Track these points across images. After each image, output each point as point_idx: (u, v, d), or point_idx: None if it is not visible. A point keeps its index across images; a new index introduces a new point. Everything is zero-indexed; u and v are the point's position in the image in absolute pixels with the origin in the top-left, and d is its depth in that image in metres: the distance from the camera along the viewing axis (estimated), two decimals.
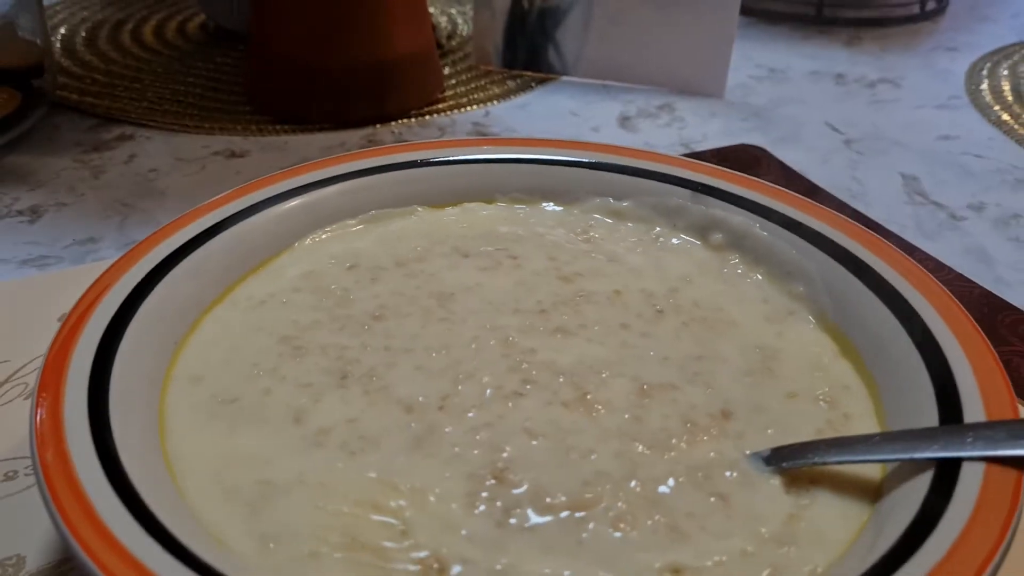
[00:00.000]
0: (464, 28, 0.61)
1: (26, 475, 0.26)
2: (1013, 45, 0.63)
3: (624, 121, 0.49)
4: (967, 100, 0.54)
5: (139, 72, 0.53)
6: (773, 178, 0.42)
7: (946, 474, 0.19)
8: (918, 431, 0.21)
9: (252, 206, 0.28)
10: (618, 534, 0.19)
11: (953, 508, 0.18)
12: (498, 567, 0.18)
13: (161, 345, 0.23)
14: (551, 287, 0.27)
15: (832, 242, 0.27)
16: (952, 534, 0.18)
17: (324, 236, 0.29)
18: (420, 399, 0.23)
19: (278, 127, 0.47)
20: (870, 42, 0.63)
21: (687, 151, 0.46)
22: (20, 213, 0.39)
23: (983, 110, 0.53)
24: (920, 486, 0.19)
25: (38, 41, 0.46)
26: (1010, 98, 0.54)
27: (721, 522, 0.20)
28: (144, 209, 0.40)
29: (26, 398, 0.29)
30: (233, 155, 0.44)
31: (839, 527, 0.20)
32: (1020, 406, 0.22)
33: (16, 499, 0.25)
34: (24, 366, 0.30)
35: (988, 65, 0.59)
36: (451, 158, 0.31)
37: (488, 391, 0.23)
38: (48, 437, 0.19)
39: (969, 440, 0.20)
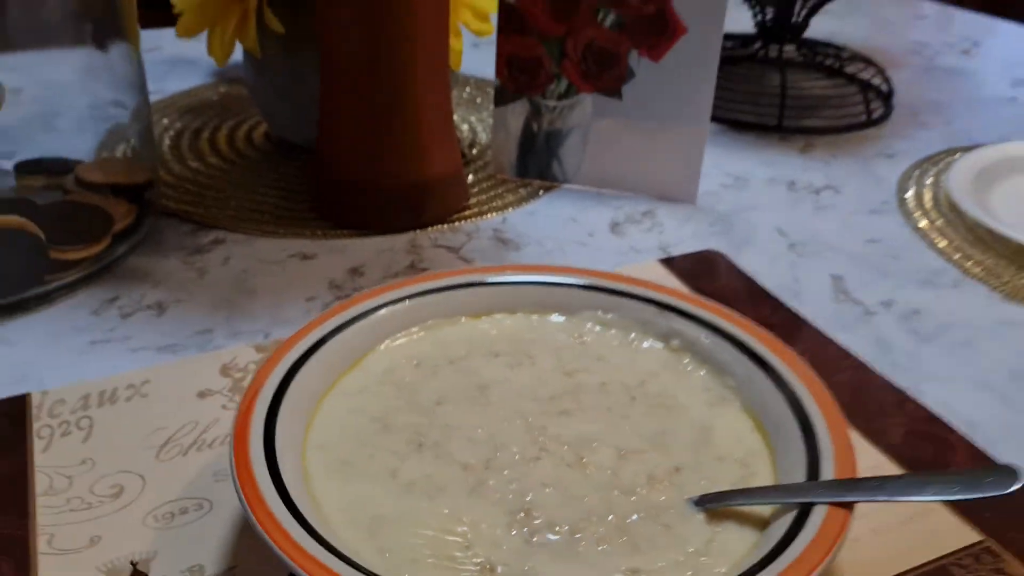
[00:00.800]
0: (483, 136, 0.74)
1: (195, 511, 0.38)
2: (941, 152, 0.75)
3: (614, 227, 0.62)
4: (895, 206, 0.66)
5: (221, 182, 0.65)
6: (729, 280, 0.55)
7: (805, 512, 0.31)
8: (792, 485, 0.33)
9: (349, 320, 0.40)
10: (601, 548, 0.31)
11: (804, 533, 0.30)
12: (526, 568, 0.30)
13: (299, 421, 0.35)
14: (558, 380, 0.39)
15: (750, 349, 0.39)
16: (799, 549, 0.29)
17: (398, 341, 0.41)
18: (472, 461, 0.35)
19: (338, 232, 0.59)
20: (821, 149, 0.75)
21: (664, 254, 0.58)
22: (149, 307, 0.51)
23: (906, 216, 0.65)
24: (788, 520, 0.31)
25: (147, 155, 0.59)
26: (928, 205, 0.66)
27: (665, 542, 0.32)
28: (242, 305, 0.52)
29: (184, 455, 0.40)
30: (305, 257, 0.56)
31: (739, 546, 0.32)
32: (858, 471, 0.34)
33: (191, 527, 0.37)
34: (177, 431, 0.42)
35: (917, 173, 0.71)
36: (486, 280, 0.43)
37: (516, 456, 0.35)
38: (248, 486, 0.31)
39: (822, 491, 0.32)
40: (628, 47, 0.61)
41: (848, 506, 0.31)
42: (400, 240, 0.59)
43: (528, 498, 0.33)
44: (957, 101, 0.88)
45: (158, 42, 0.91)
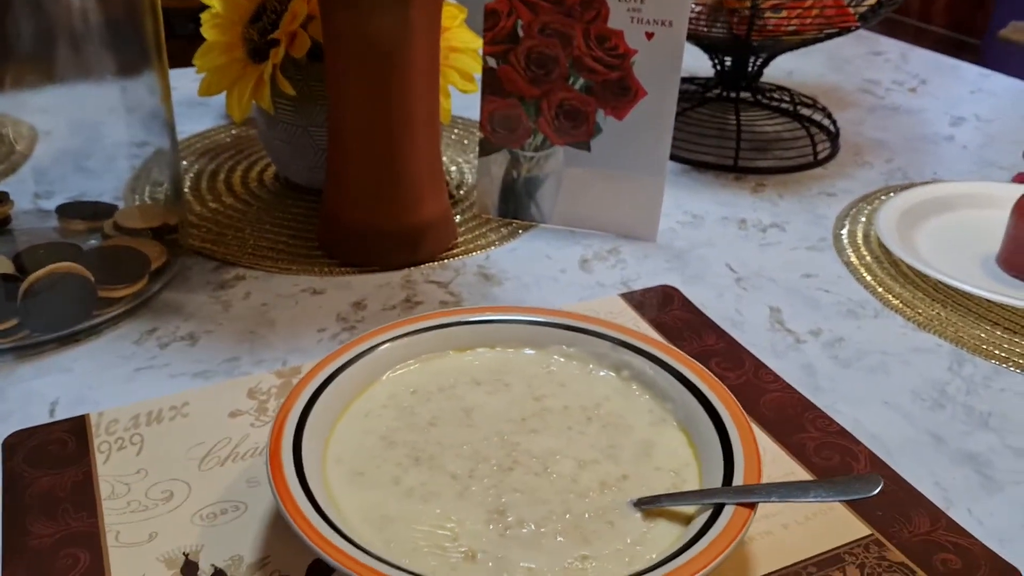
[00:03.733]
0: (469, 178, 0.83)
1: (232, 511, 0.46)
2: (878, 191, 0.85)
3: (583, 263, 0.70)
4: (830, 243, 0.75)
5: (239, 222, 0.74)
6: (681, 312, 0.64)
7: (718, 511, 0.40)
8: (709, 490, 0.42)
9: (357, 355, 0.49)
10: (559, 539, 0.40)
11: (715, 527, 0.39)
12: (500, 555, 0.39)
13: (319, 439, 0.44)
14: (528, 404, 0.48)
15: (685, 377, 0.48)
16: (709, 539, 0.38)
17: (397, 372, 0.50)
18: (459, 472, 0.43)
19: (343, 269, 0.68)
20: (771, 188, 0.85)
21: (626, 288, 0.67)
22: (183, 339, 0.60)
23: (839, 252, 0.74)
24: (704, 517, 0.40)
25: (176, 199, 0.67)
26: (860, 242, 0.75)
27: (610, 535, 0.40)
28: (263, 335, 0.60)
29: (222, 465, 0.49)
30: (315, 292, 0.65)
31: (667, 538, 0.40)
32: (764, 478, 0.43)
33: (231, 525, 0.45)
34: (214, 446, 0.51)
35: (853, 211, 0.80)
36: (469, 320, 0.52)
37: (495, 467, 0.44)
38: (281, 488, 0.39)
39: (731, 495, 0.41)
40: (595, 107, 0.70)
41: (751, 506, 0.40)
42: (396, 276, 0.67)
43: (503, 500, 0.42)
44: (898, 140, 0.97)
45: (173, 82, 1.00)
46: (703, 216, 0.78)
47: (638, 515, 0.42)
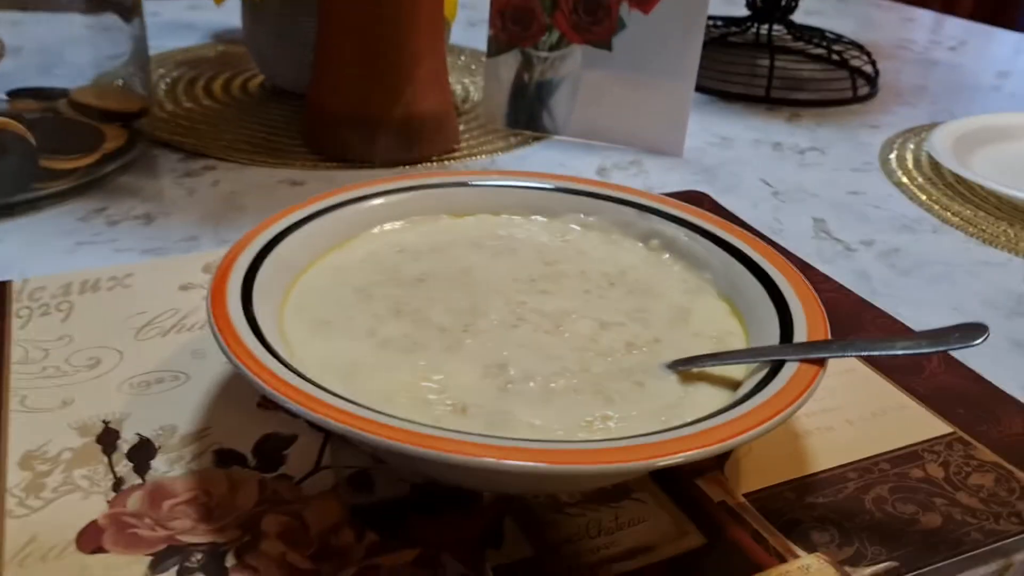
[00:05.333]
0: (476, 95, 0.75)
1: (171, 381, 0.38)
2: (923, 125, 0.77)
3: (601, 171, 0.62)
4: (877, 167, 0.67)
5: (215, 118, 0.66)
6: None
7: (776, 369, 0.31)
8: (765, 347, 0.33)
9: (335, 204, 0.40)
10: (576, 396, 0.31)
11: (773, 385, 0.30)
12: (498, 410, 0.30)
13: (279, 283, 0.36)
14: (538, 268, 0.40)
15: (726, 242, 0.40)
16: (766, 397, 0.30)
17: (382, 229, 0.41)
18: (450, 325, 0.35)
19: (328, 163, 0.59)
20: (807, 119, 0.77)
21: None
22: (137, 218, 0.51)
23: (888, 174, 0.66)
24: (759, 377, 0.31)
25: (142, 91, 0.59)
26: (910, 165, 0.67)
27: (638, 396, 0.32)
28: (231, 218, 0.52)
29: (163, 336, 0.40)
30: (295, 183, 0.57)
31: (710, 403, 0.32)
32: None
33: (167, 394, 0.37)
34: (157, 316, 0.42)
35: (899, 140, 0.72)
36: (470, 182, 0.44)
37: (495, 322, 0.35)
38: (219, 309, 0.31)
39: (793, 351, 0.32)
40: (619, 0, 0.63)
41: (819, 362, 0.31)
42: (387, 175, 0.59)
43: (505, 353, 0.33)
44: (942, 86, 0.89)
45: (157, 7, 0.93)
46: (733, 139, 0.71)
47: (674, 378, 0.33)
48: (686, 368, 0.33)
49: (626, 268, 0.40)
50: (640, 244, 0.42)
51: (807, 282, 0.37)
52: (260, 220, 0.39)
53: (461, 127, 0.67)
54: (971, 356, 0.43)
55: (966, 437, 0.37)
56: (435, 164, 0.61)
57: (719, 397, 0.32)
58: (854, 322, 0.45)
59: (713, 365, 0.33)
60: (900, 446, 0.36)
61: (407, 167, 0.60)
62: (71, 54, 0.57)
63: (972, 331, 0.31)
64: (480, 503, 0.31)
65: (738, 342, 0.36)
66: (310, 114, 0.62)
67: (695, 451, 0.27)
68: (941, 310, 0.47)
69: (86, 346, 0.39)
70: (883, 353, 0.32)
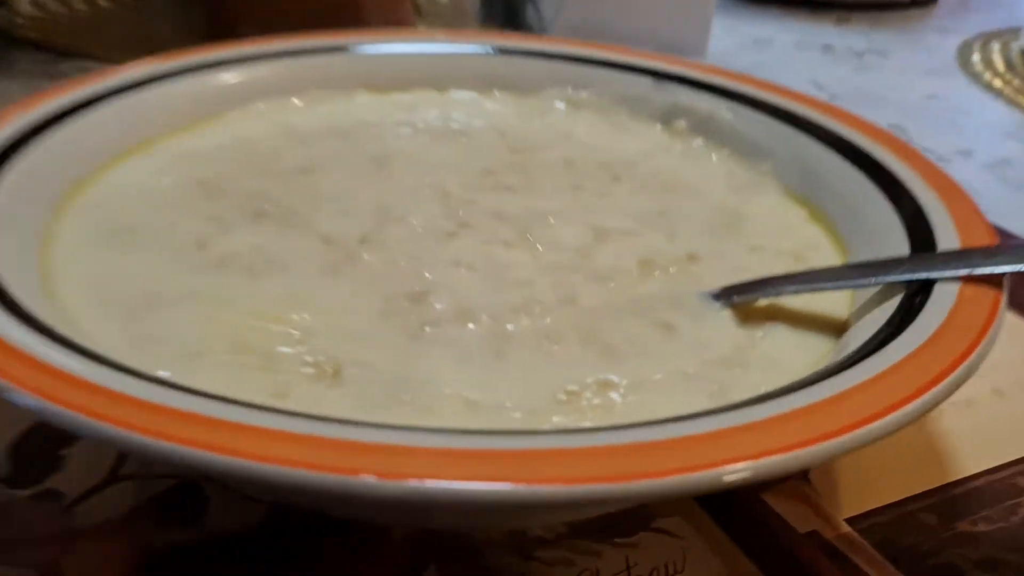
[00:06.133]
0: None
1: None
2: (1005, 29, 0.62)
3: None
4: (957, 68, 0.53)
5: (105, 12, 0.51)
6: None
7: (917, 295, 0.17)
8: (886, 259, 0.19)
9: (181, 69, 0.26)
10: (546, 348, 0.17)
11: (922, 320, 0.16)
12: (402, 372, 0.16)
13: (58, 177, 0.21)
14: (499, 156, 0.25)
15: (800, 117, 0.25)
16: (916, 341, 0.15)
17: (260, 108, 0.27)
18: (339, 235, 0.20)
19: None
20: (859, 22, 0.62)
21: None
22: None
23: (973, 77, 0.51)
24: (887, 310, 0.17)
25: None
26: (1001, 67, 0.52)
27: (661, 346, 0.18)
28: None
29: None
30: None
31: (795, 356, 0.18)
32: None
33: None
34: None
35: (979, 42, 0.58)
36: (401, 51, 0.29)
37: (418, 230, 0.21)
38: None
39: (940, 262, 0.18)
40: None
41: (994, 280, 0.17)
42: None
43: (427, 277, 0.19)
44: None
45: None
46: (770, 40, 0.56)
47: (725, 314, 0.19)
48: (745, 298, 0.19)
49: (637, 158, 0.26)
50: (658, 126, 0.28)
51: (936, 165, 0.22)
52: None
53: (420, 28, 0.53)
54: None
55: None
56: None
57: (810, 346, 0.18)
58: None
59: (795, 291, 0.19)
60: None
61: None
62: None
63: None
64: (388, 541, 0.17)
65: (825, 258, 0.21)
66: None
67: (788, 453, 0.12)
68: None
69: None
70: None
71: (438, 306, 0.18)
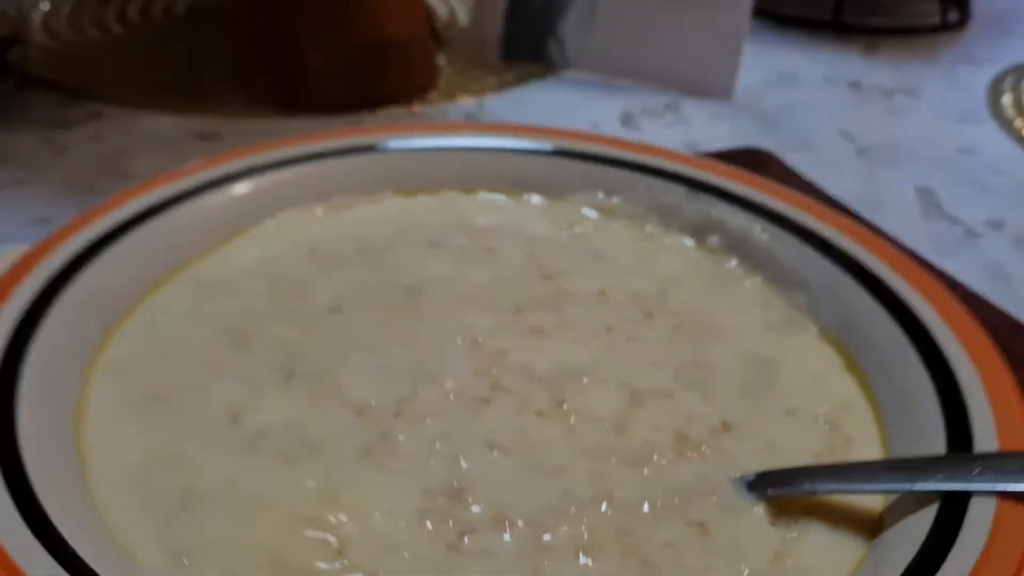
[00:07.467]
0: (462, 18, 0.59)
1: None
2: None
3: (626, 119, 0.47)
4: (988, 114, 0.52)
5: (116, 50, 0.51)
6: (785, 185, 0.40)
7: (953, 508, 0.17)
8: (921, 459, 0.19)
9: (202, 185, 0.26)
10: (583, 562, 0.17)
11: (960, 547, 0.16)
12: None
13: (87, 326, 0.21)
14: (530, 284, 0.25)
15: (838, 249, 0.25)
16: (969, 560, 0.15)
17: (283, 221, 0.27)
18: (373, 403, 0.20)
19: (256, 109, 0.44)
20: (887, 51, 0.61)
21: (693, 154, 0.43)
22: None
23: (1005, 124, 0.50)
24: (924, 521, 0.17)
25: (14, 12, 0.44)
26: None
27: (697, 557, 0.17)
28: (105, 190, 0.37)
29: None
30: (204, 137, 0.42)
31: (831, 565, 0.17)
32: None
33: None
34: None
35: (1011, 79, 0.56)
36: (429, 145, 0.29)
37: (451, 396, 0.21)
38: None
39: (977, 471, 0.17)
40: None
41: None
42: (336, 122, 0.44)
43: (463, 467, 0.19)
44: None
45: None
46: (797, 75, 0.55)
47: (759, 511, 0.18)
48: (779, 491, 0.19)
49: (669, 283, 0.25)
50: (689, 241, 0.27)
51: (981, 330, 0.22)
52: None
53: (441, 60, 0.52)
54: None
55: None
56: (401, 109, 0.45)
57: (845, 552, 0.18)
58: (1002, 352, 0.30)
59: (830, 491, 0.18)
60: None
61: (362, 113, 0.45)
62: None
63: None
64: None
65: (863, 426, 0.21)
66: (235, 44, 0.46)
67: None
68: None
69: None
70: None
71: (475, 508, 0.18)
